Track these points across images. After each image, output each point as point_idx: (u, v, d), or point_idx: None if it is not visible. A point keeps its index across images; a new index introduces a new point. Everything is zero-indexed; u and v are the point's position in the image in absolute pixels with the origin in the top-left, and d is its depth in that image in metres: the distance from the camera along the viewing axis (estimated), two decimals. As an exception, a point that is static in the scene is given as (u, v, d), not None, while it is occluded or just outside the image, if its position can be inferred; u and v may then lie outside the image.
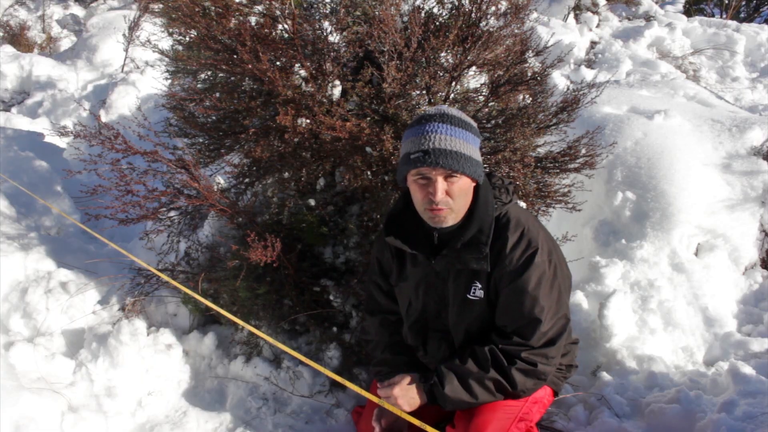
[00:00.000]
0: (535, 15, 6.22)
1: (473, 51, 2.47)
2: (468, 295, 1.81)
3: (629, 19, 8.17)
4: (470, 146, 1.71)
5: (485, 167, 2.45)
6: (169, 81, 3.38)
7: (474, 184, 1.77)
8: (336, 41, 2.64)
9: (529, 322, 1.73)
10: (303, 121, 2.51)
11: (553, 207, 2.80)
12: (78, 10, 9.65)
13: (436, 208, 1.71)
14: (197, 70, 2.89)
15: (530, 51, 2.74)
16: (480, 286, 1.79)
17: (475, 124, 1.78)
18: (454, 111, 1.74)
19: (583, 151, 2.78)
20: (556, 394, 2.01)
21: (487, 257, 1.75)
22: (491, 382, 1.73)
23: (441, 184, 1.68)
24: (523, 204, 2.59)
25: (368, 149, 2.46)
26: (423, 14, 2.54)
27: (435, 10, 2.69)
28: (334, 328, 2.73)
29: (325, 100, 2.51)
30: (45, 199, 3.36)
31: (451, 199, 1.70)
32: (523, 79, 2.63)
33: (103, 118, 5.61)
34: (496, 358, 1.74)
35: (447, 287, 1.85)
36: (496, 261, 1.76)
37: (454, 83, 2.58)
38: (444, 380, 1.74)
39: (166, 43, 3.16)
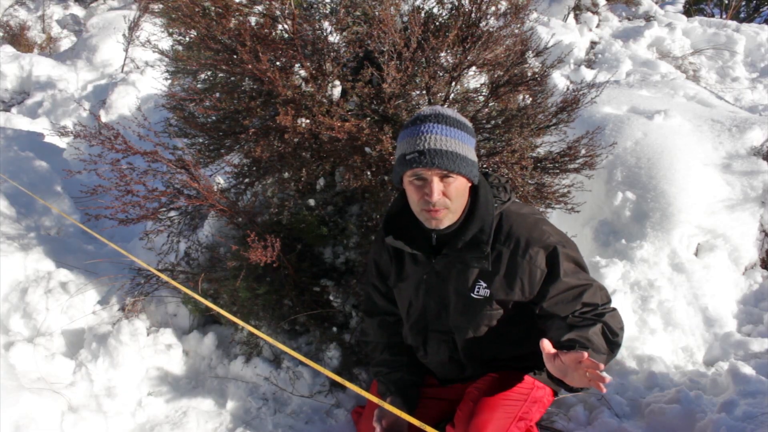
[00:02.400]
0: (535, 15, 6.21)
1: (473, 51, 2.47)
2: (472, 294, 1.81)
3: (629, 19, 8.17)
4: (466, 146, 1.71)
5: (484, 167, 2.45)
6: (169, 81, 3.38)
7: (470, 185, 1.77)
8: (336, 41, 2.64)
9: (588, 295, 1.74)
10: (303, 121, 2.51)
11: (553, 207, 2.80)
12: (78, 10, 9.65)
13: (432, 209, 1.70)
14: (197, 70, 2.89)
15: (530, 51, 2.74)
16: (484, 285, 1.79)
17: (470, 124, 1.78)
18: (449, 111, 1.74)
19: (583, 151, 2.78)
20: (556, 394, 2.01)
21: (489, 256, 1.75)
22: (600, 332, 1.67)
23: (437, 184, 1.67)
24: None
25: (367, 149, 2.46)
26: (423, 14, 2.54)
27: (435, 10, 2.69)
28: (334, 328, 2.73)
29: (324, 100, 2.51)
30: (45, 199, 3.36)
31: (448, 200, 1.70)
32: (523, 79, 2.63)
33: (103, 118, 5.61)
34: (587, 317, 1.71)
35: (447, 288, 1.85)
36: (513, 265, 1.75)
37: (453, 83, 2.58)
38: (585, 344, 1.61)
39: (166, 43, 3.16)
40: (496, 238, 1.77)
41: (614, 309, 1.77)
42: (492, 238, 1.76)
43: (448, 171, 1.66)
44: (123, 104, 6.05)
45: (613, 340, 1.69)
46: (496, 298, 1.79)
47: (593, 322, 1.68)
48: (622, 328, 1.75)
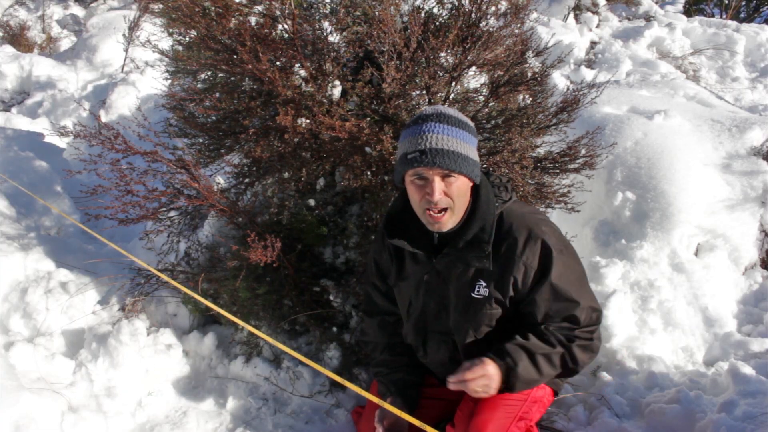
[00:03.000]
0: (535, 15, 6.21)
1: (473, 51, 2.47)
2: (472, 294, 1.81)
3: (629, 19, 8.17)
4: (467, 146, 1.71)
5: (483, 167, 2.45)
6: (169, 81, 3.38)
7: (471, 185, 1.77)
8: (336, 41, 2.64)
9: (573, 311, 1.75)
10: (303, 121, 2.51)
11: (553, 207, 2.80)
12: (78, 10, 9.66)
13: (434, 211, 1.71)
14: (197, 70, 2.89)
15: (530, 51, 2.74)
16: (484, 284, 1.79)
17: (472, 124, 1.78)
18: (451, 111, 1.74)
19: (583, 151, 2.78)
20: (556, 393, 2.01)
21: (490, 255, 1.75)
22: (557, 356, 1.73)
23: (438, 184, 1.67)
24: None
25: (368, 149, 2.46)
26: (423, 14, 2.54)
27: (435, 10, 2.69)
28: (334, 328, 2.73)
29: (325, 100, 2.51)
30: (45, 199, 3.36)
31: (450, 200, 1.70)
32: (523, 79, 2.63)
33: (103, 118, 5.61)
34: (555, 335, 1.74)
35: (448, 287, 1.85)
36: (509, 262, 1.75)
37: (453, 83, 2.58)
38: (516, 360, 1.69)
39: (166, 43, 3.16)
40: (496, 237, 1.77)
41: (591, 339, 1.77)
42: (493, 237, 1.76)
43: (450, 170, 1.66)
44: (123, 104, 6.05)
45: (571, 367, 1.75)
46: (495, 297, 1.79)
47: (554, 345, 1.72)
48: (591, 357, 1.80)
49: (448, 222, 1.74)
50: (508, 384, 1.71)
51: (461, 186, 1.71)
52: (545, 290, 1.74)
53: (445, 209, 1.71)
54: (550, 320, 1.77)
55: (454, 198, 1.71)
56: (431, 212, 1.71)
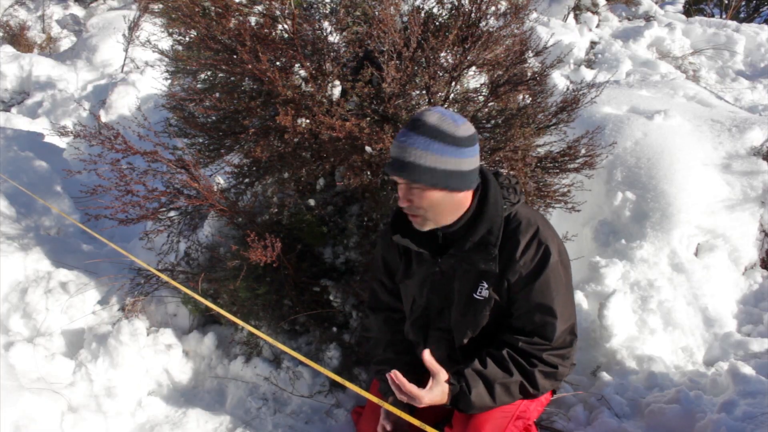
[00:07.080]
0: (534, 15, 6.21)
1: (473, 51, 2.47)
2: (474, 295, 1.81)
3: (629, 20, 8.18)
4: (439, 157, 1.65)
5: (492, 168, 2.44)
6: (169, 81, 3.39)
7: (462, 194, 1.74)
8: (336, 41, 2.64)
9: (548, 323, 1.74)
10: (303, 121, 2.51)
11: (553, 207, 2.80)
12: (78, 10, 9.66)
13: (409, 212, 1.72)
14: (197, 70, 2.89)
15: (530, 51, 2.74)
16: (486, 285, 1.79)
17: (460, 134, 1.68)
18: (433, 118, 1.66)
19: (583, 151, 2.78)
20: (553, 392, 2.01)
21: (496, 258, 1.74)
22: (516, 385, 1.73)
23: (403, 192, 1.69)
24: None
25: (368, 149, 2.46)
26: (423, 14, 2.54)
27: (435, 10, 2.69)
28: (334, 328, 2.73)
29: (324, 100, 2.51)
30: (45, 199, 3.36)
31: (420, 208, 1.71)
32: (523, 79, 2.63)
33: (103, 118, 5.62)
34: (517, 361, 1.73)
35: (452, 286, 1.85)
36: (508, 264, 1.75)
37: (453, 83, 2.58)
38: (471, 386, 1.70)
39: (166, 43, 3.16)
40: (504, 239, 1.77)
41: (557, 367, 1.75)
42: (500, 239, 1.75)
43: (408, 181, 1.67)
44: (123, 104, 6.05)
45: (532, 392, 1.74)
46: (495, 299, 1.80)
47: (513, 373, 1.71)
48: (554, 384, 1.79)
49: (424, 225, 1.75)
50: (458, 406, 1.71)
51: (430, 197, 1.68)
52: (529, 291, 1.74)
53: (417, 215, 1.73)
54: (522, 331, 1.76)
55: (425, 207, 1.70)
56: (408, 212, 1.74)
